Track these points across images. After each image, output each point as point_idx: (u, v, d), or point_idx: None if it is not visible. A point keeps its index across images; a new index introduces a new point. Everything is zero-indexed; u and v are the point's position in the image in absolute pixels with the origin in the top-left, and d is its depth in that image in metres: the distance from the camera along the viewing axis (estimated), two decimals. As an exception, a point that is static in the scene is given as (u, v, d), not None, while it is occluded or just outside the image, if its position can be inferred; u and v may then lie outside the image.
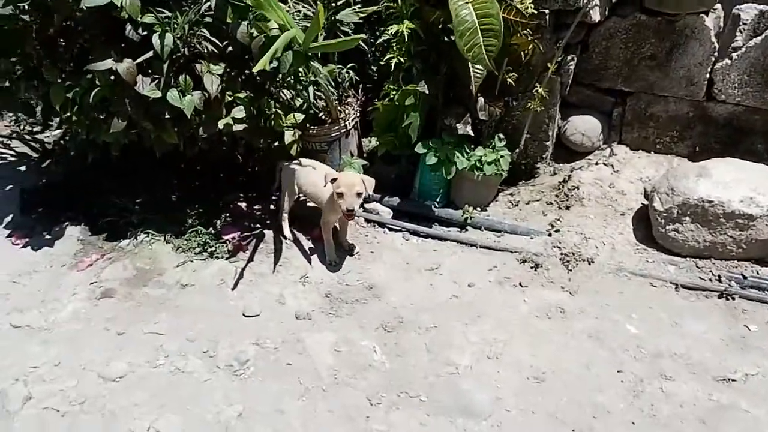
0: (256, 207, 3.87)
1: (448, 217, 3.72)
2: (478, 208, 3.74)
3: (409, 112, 3.46)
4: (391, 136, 3.78)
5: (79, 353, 2.87)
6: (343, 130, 3.85)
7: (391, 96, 3.63)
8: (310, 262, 3.45)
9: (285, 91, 3.56)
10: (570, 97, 3.99)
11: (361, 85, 3.97)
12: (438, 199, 3.82)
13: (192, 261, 3.43)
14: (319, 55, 3.38)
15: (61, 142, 4.66)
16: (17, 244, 3.64)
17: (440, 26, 3.43)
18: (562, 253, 3.35)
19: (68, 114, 3.34)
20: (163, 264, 3.41)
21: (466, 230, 3.66)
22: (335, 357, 2.84)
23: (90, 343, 2.93)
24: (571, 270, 3.27)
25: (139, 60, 2.92)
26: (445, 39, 3.46)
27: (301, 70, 3.26)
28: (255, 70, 2.82)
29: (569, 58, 3.76)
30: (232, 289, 3.24)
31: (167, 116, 3.07)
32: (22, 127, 4.87)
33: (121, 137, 3.34)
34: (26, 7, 2.97)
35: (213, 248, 3.48)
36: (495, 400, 2.59)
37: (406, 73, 3.52)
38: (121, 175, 3.99)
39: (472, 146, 3.64)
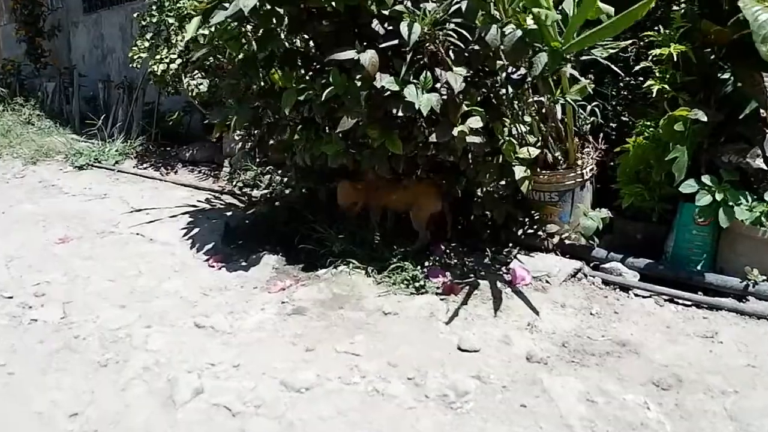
0: (469, 260, 3.32)
1: (719, 284, 2.86)
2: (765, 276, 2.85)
3: (675, 145, 2.83)
4: (638, 187, 3.14)
5: (261, 360, 2.38)
6: (579, 179, 3.29)
7: (647, 134, 3.06)
8: (537, 313, 2.76)
9: (519, 125, 3.15)
10: None
11: (601, 134, 3.45)
12: (699, 266, 3.00)
13: (395, 294, 2.91)
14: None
15: (268, 195, 4.64)
16: (213, 266, 3.42)
17: (715, 48, 2.90)
18: None
19: (293, 126, 3.21)
20: (362, 291, 2.93)
21: (747, 300, 2.77)
22: (588, 407, 2.04)
23: (274, 352, 2.44)
24: None
25: (383, 45, 2.70)
26: (722, 64, 2.90)
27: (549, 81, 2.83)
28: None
29: None
30: (446, 324, 2.63)
31: (398, 116, 2.76)
32: (234, 184, 4.97)
33: (341, 156, 3.10)
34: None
35: (421, 283, 2.94)
36: None
37: (669, 104, 2.96)
38: (325, 213, 3.72)
39: (755, 196, 2.86)
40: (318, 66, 3.13)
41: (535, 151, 3.13)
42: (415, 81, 2.74)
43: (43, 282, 3.22)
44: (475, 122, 2.83)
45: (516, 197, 3.35)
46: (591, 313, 2.78)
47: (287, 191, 4.63)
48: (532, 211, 3.41)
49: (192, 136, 6.33)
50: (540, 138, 3.23)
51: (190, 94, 5.33)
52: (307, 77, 3.12)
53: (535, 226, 3.41)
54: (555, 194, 3.31)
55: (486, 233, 3.46)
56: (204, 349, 2.47)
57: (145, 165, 5.92)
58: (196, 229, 4.02)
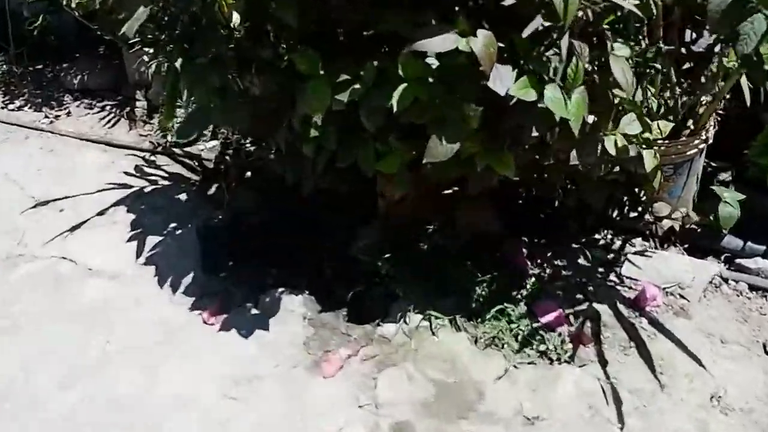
0: (561, 263, 2.52)
1: None
2: None
3: None
4: (782, 154, 2.38)
5: None
6: (701, 146, 2.46)
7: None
8: (700, 363, 2.09)
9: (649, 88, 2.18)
10: None
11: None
12: None
13: (516, 366, 2.09)
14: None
15: (226, 158, 3.41)
16: (211, 324, 2.38)
17: None
18: None
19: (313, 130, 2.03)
20: (471, 373, 2.07)
21: None
22: None
23: None
24: None
25: (528, 31, 1.56)
26: None
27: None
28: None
29: None
30: (620, 429, 1.89)
31: (531, 134, 1.72)
32: (169, 138, 3.63)
33: (403, 180, 2.04)
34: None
35: (544, 344, 2.13)
36: None
37: None
38: (346, 210, 2.69)
39: None
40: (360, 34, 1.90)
41: (667, 126, 2.22)
42: (552, 77, 1.67)
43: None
44: (632, 125, 1.85)
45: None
46: (767, 351, 2.14)
47: (248, 145, 3.43)
48: (635, 189, 2.58)
49: (69, 47, 4.60)
50: (666, 103, 2.30)
51: (65, 3, 3.67)
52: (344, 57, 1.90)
53: (639, 208, 2.61)
54: (669, 167, 2.48)
55: (573, 220, 2.63)
56: None
57: (17, 102, 4.24)
58: (152, 241, 2.82)
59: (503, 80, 1.62)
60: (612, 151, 1.82)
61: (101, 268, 2.69)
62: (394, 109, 1.71)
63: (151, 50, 3.74)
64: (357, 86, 1.81)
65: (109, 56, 4.37)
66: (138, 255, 2.75)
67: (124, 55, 4.07)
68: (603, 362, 2.10)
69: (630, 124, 1.86)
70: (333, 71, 1.84)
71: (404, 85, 1.72)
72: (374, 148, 2.01)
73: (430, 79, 1.77)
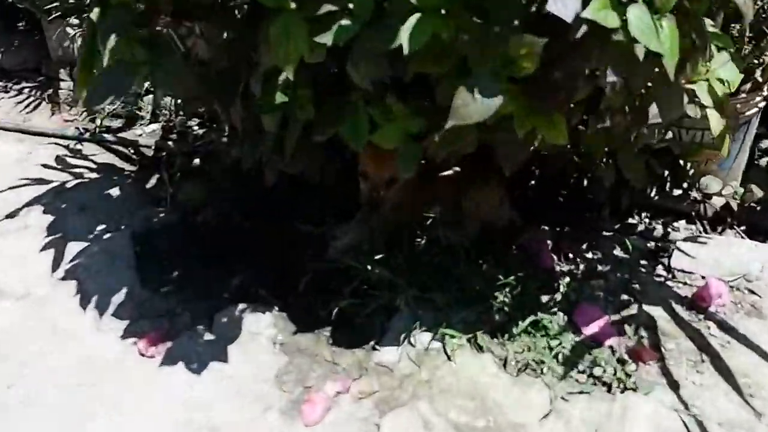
0: (595, 256, 2.02)
1: None
2: None
3: None
4: None
5: None
6: (762, 104, 1.99)
7: None
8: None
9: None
10: None
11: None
12: None
13: (565, 398, 1.57)
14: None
15: (169, 143, 2.81)
16: (151, 356, 1.79)
17: None
18: None
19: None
20: (506, 411, 1.54)
21: None
22: None
23: None
24: None
25: None
26: None
27: None
28: None
29: None
30: (722, 480, 1.40)
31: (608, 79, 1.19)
32: (99, 123, 3.00)
33: (414, 153, 1.50)
34: None
35: (599, 366, 1.62)
36: None
37: None
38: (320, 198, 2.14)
39: None
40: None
41: (737, 78, 1.73)
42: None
43: None
44: (727, 68, 1.35)
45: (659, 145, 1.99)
46: None
47: (196, 127, 2.84)
48: (680, 161, 2.09)
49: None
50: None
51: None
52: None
53: (684, 183, 2.12)
54: (726, 131, 2.00)
55: (604, 201, 2.13)
56: None
57: None
58: (75, 249, 2.21)
59: (567, 0, 1.09)
60: (707, 102, 1.31)
61: (6, 286, 2.08)
62: (405, 50, 1.15)
63: (75, 19, 3.16)
64: (345, 22, 1.25)
65: (28, 31, 3.72)
66: (55, 267, 2.14)
67: (44, 27, 3.41)
68: (674, 385, 1.60)
69: (724, 65, 1.35)
70: (308, 3, 1.27)
71: (418, 14, 1.17)
72: (367, 114, 1.46)
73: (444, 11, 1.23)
